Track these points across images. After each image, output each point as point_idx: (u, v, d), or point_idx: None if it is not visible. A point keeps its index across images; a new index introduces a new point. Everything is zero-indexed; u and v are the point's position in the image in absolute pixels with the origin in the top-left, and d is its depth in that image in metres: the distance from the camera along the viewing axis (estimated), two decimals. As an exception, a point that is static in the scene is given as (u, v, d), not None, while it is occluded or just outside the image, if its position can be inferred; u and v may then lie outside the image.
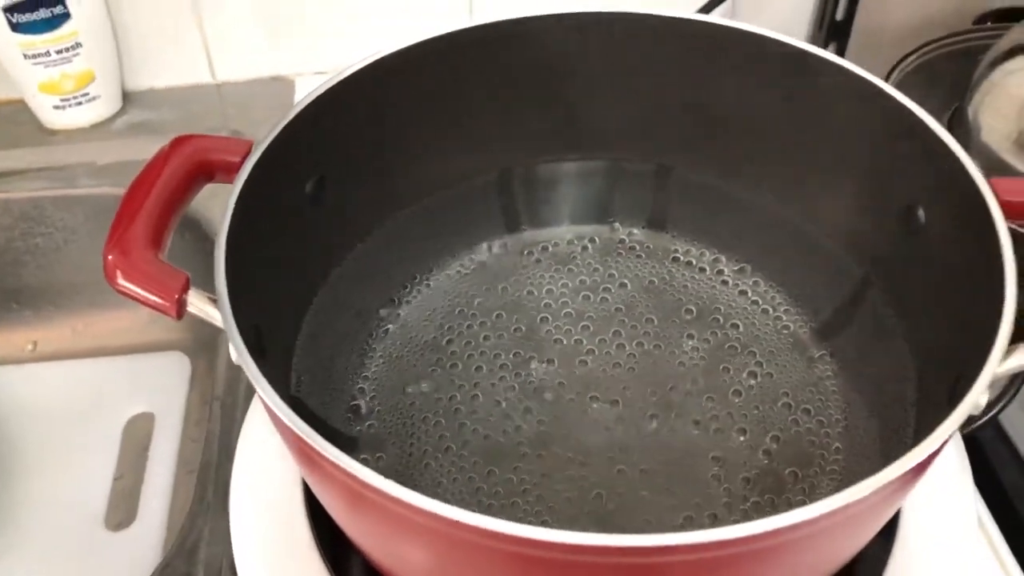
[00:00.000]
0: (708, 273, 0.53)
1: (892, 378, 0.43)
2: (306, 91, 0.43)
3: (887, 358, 0.44)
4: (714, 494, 0.43)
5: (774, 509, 0.43)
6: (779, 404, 0.47)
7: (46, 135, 0.73)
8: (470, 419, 0.47)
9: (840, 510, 0.29)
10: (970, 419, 0.48)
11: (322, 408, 0.45)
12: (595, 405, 0.47)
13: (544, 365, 0.49)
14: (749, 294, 0.52)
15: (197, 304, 0.36)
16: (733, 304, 0.51)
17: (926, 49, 0.71)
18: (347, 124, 0.45)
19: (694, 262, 0.54)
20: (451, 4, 0.74)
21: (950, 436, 0.31)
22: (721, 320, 0.51)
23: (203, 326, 0.69)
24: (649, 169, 0.53)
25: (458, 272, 0.53)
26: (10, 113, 0.74)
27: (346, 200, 0.47)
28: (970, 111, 0.64)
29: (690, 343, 0.50)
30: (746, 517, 0.42)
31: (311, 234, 0.45)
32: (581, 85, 0.50)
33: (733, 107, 0.49)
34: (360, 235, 0.49)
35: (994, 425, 0.56)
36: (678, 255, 0.54)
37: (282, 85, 0.77)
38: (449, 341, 0.50)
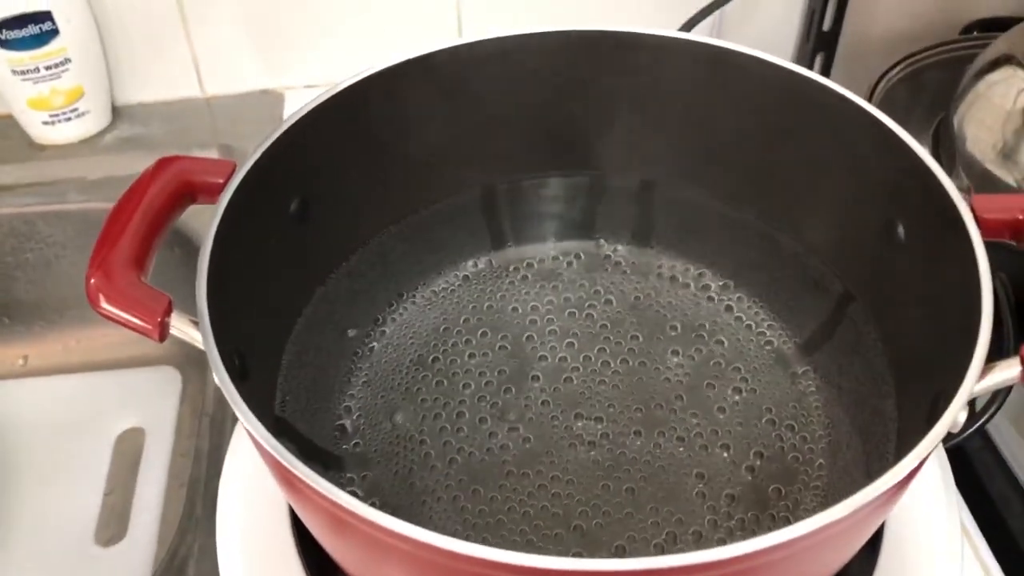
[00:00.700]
0: (693, 289, 0.53)
1: (873, 394, 0.44)
2: (296, 105, 0.43)
3: (868, 374, 0.44)
4: (698, 511, 0.43)
5: (758, 525, 0.43)
6: (763, 420, 0.47)
7: (36, 150, 0.73)
8: (455, 437, 0.47)
9: (822, 529, 0.29)
10: (955, 431, 0.48)
11: (308, 427, 0.46)
12: (580, 422, 0.47)
13: (529, 382, 0.49)
14: (734, 310, 0.52)
15: (179, 327, 0.36)
16: (717, 320, 0.52)
17: (913, 59, 0.72)
18: (330, 144, 0.45)
19: (679, 278, 0.54)
20: (440, 21, 0.75)
21: (929, 454, 0.31)
22: (706, 336, 0.51)
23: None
24: (633, 185, 0.53)
25: (443, 289, 0.54)
26: (-1, 128, 0.74)
27: (330, 219, 0.47)
28: (955, 121, 0.64)
29: (675, 359, 0.50)
30: (730, 534, 0.43)
31: (295, 253, 0.46)
32: (565, 103, 0.51)
33: (715, 124, 0.49)
34: (344, 254, 0.50)
35: (981, 435, 0.56)
36: (663, 271, 0.54)
37: (271, 99, 0.78)
38: (434, 359, 0.50)
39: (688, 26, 0.71)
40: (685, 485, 0.44)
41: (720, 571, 0.29)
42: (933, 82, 0.71)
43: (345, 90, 0.45)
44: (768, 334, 0.51)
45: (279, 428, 0.43)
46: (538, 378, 0.49)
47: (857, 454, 0.44)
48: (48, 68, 0.69)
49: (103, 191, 0.68)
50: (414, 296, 0.53)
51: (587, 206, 0.55)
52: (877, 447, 0.42)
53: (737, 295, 0.53)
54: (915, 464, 0.31)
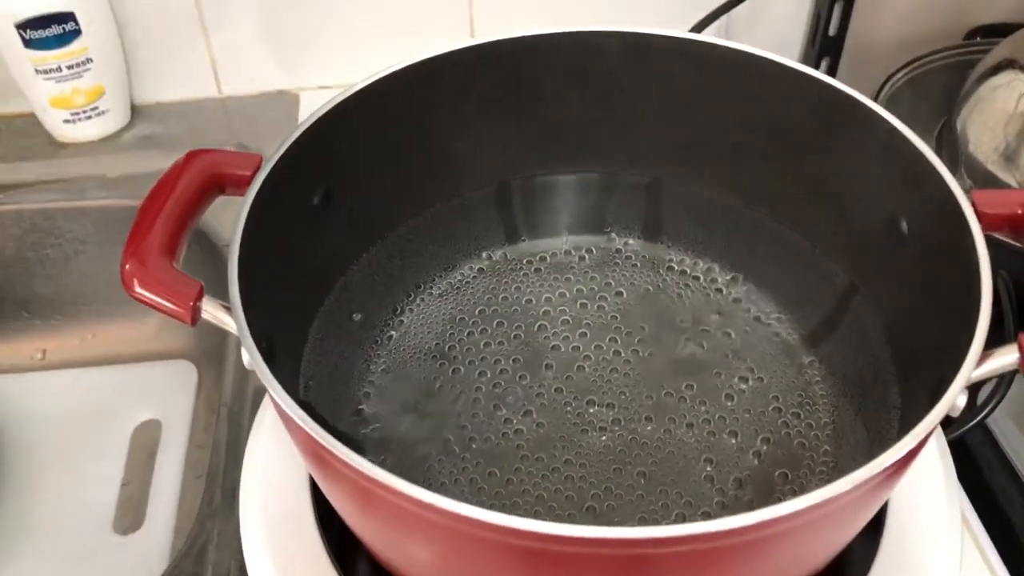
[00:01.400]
0: (702, 282, 0.54)
1: (877, 382, 0.45)
2: (310, 106, 0.45)
3: (872, 363, 0.46)
4: (707, 494, 0.45)
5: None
6: (770, 408, 0.48)
7: (56, 148, 0.74)
8: (471, 423, 0.48)
9: (826, 503, 0.30)
10: (958, 423, 0.50)
11: (328, 412, 0.47)
12: (592, 409, 0.48)
13: (543, 371, 0.50)
14: (742, 302, 0.53)
15: (211, 311, 0.37)
16: (726, 312, 0.53)
17: (917, 64, 0.73)
18: (353, 139, 0.46)
19: (688, 271, 0.55)
20: (453, 22, 0.76)
21: (928, 434, 0.32)
22: (714, 327, 0.52)
23: (209, 335, 0.70)
24: (643, 181, 0.55)
25: (459, 281, 0.55)
26: (22, 126, 0.76)
27: (351, 212, 0.48)
28: (958, 124, 0.66)
29: (684, 349, 0.51)
30: (737, 516, 0.44)
31: (318, 245, 0.47)
32: (577, 101, 0.52)
33: (724, 122, 0.50)
34: (365, 246, 0.51)
35: (983, 430, 0.57)
36: (672, 264, 0.55)
37: (287, 99, 0.79)
38: (451, 348, 0.51)
39: (698, 28, 0.72)
40: (694, 469, 0.46)
41: (725, 542, 0.30)
42: (937, 86, 0.72)
43: (366, 88, 0.46)
44: (775, 325, 0.52)
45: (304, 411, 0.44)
46: (551, 366, 0.50)
47: (861, 440, 0.45)
48: (70, 67, 0.70)
49: (122, 188, 0.69)
50: (431, 287, 0.54)
51: (599, 202, 0.56)
52: (880, 433, 0.43)
53: (745, 288, 0.54)
54: (915, 443, 0.32)
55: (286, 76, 0.79)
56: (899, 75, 0.72)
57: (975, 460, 0.56)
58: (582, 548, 0.30)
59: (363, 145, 0.47)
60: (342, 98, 0.45)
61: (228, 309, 0.37)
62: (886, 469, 0.31)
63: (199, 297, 0.37)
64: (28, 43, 0.68)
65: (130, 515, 0.62)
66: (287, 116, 0.77)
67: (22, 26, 0.67)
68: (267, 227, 0.41)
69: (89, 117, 0.73)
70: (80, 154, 0.74)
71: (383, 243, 0.52)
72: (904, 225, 0.44)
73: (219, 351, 0.66)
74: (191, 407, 0.69)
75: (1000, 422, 0.56)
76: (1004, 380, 0.52)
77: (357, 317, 0.51)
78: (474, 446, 0.47)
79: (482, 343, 0.52)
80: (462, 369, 0.50)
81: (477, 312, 0.53)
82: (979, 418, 0.51)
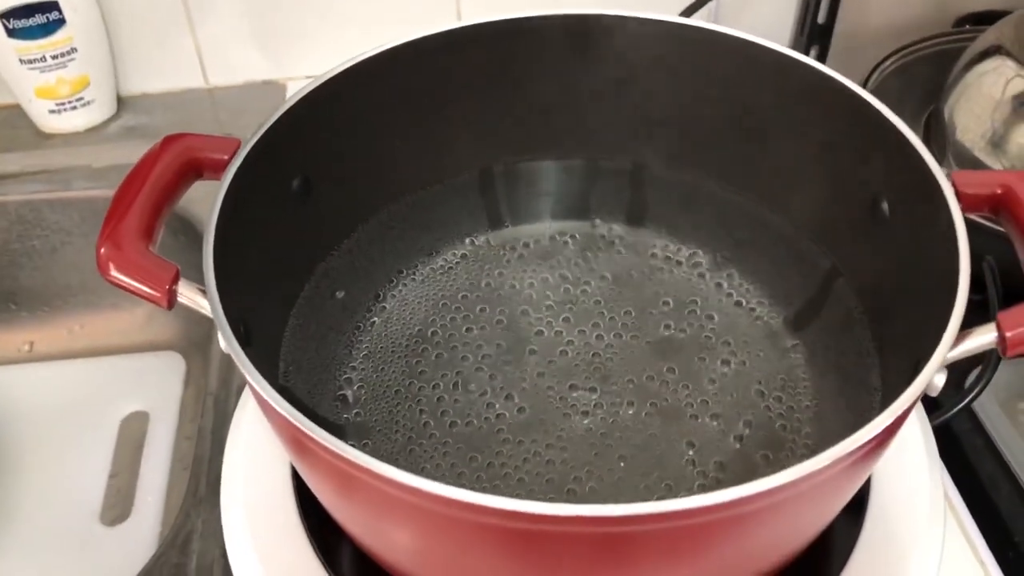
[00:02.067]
0: (685, 267, 0.54)
1: (858, 365, 0.45)
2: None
3: (854, 346, 0.46)
4: (688, 477, 0.45)
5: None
6: (752, 391, 0.48)
7: (42, 139, 0.74)
8: (453, 407, 0.48)
9: (804, 479, 0.30)
10: (944, 407, 0.50)
11: (309, 397, 0.47)
12: (574, 393, 0.48)
13: (526, 355, 0.50)
14: (724, 286, 0.53)
15: (187, 294, 0.37)
16: (709, 296, 0.53)
17: (906, 51, 0.73)
18: (332, 124, 0.46)
19: (672, 256, 0.55)
20: (442, 9, 0.76)
21: (906, 412, 0.32)
22: (697, 312, 0.52)
23: (197, 326, 0.70)
24: (627, 167, 0.55)
25: (442, 267, 0.55)
26: (6, 117, 0.75)
27: (331, 197, 0.48)
28: (946, 111, 0.65)
29: (667, 334, 0.51)
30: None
31: (297, 230, 0.47)
32: (561, 85, 0.52)
33: (709, 107, 0.50)
34: (345, 231, 0.51)
35: (969, 415, 0.57)
36: (656, 250, 0.55)
37: (274, 89, 0.79)
38: (433, 333, 0.51)
39: (687, 13, 0.72)
40: (675, 452, 0.45)
41: (704, 518, 0.30)
42: (925, 74, 0.71)
43: (345, 71, 0.46)
44: (758, 310, 0.52)
45: (282, 396, 0.44)
46: (534, 351, 0.50)
47: (843, 423, 0.45)
48: (55, 57, 0.70)
49: (108, 179, 0.69)
50: (414, 273, 0.54)
51: (582, 187, 0.56)
52: (862, 416, 0.43)
53: (728, 272, 0.54)
54: (892, 419, 0.32)
55: (273, 66, 0.79)
56: (888, 63, 0.71)
57: (962, 446, 0.56)
58: (561, 527, 0.30)
59: (343, 130, 0.47)
60: (320, 82, 0.45)
61: (205, 293, 0.36)
62: (864, 445, 0.31)
63: (175, 280, 0.37)
64: (12, 32, 0.68)
65: (118, 506, 0.62)
66: (274, 106, 0.74)
67: (5, 15, 0.67)
68: (245, 211, 0.41)
69: (74, 108, 0.73)
70: (66, 145, 0.74)
71: (364, 228, 0.51)
72: (885, 207, 0.44)
73: (207, 342, 0.66)
74: (179, 398, 0.68)
75: (987, 408, 0.56)
76: (990, 364, 0.52)
77: (338, 303, 0.51)
78: (455, 430, 0.47)
79: (465, 328, 0.52)
80: (445, 354, 0.50)
81: (460, 298, 0.53)
82: (965, 402, 0.51)
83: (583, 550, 0.32)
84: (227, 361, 0.58)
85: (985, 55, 0.64)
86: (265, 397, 0.33)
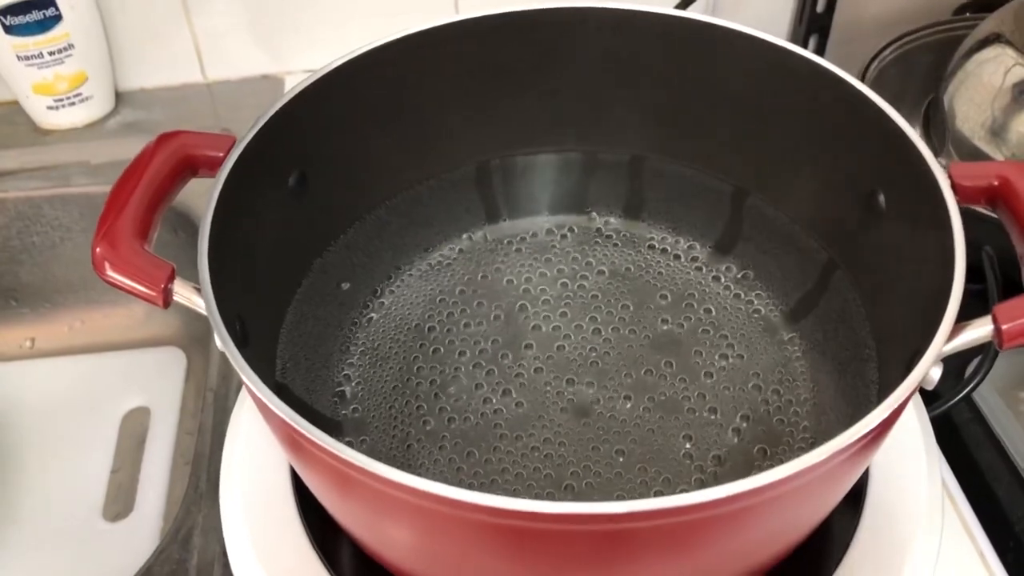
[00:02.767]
0: (682, 260, 0.54)
1: (856, 358, 0.45)
2: (295, 89, 0.45)
3: (851, 339, 0.46)
4: (685, 471, 0.45)
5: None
6: (749, 385, 0.48)
7: (40, 135, 0.74)
8: (451, 403, 0.48)
9: (802, 473, 0.30)
10: (942, 397, 0.49)
11: (307, 393, 0.47)
12: (572, 388, 0.48)
13: (523, 350, 0.50)
14: (721, 280, 0.53)
15: (183, 293, 0.37)
16: (707, 290, 0.53)
17: (905, 40, 0.72)
18: (327, 119, 0.46)
19: (669, 249, 0.55)
20: (437, 1, 0.75)
21: (902, 404, 0.32)
22: (694, 305, 0.52)
23: (198, 321, 0.70)
24: (624, 160, 0.54)
25: (439, 262, 0.55)
26: (4, 114, 0.75)
27: (328, 193, 0.48)
28: (945, 100, 0.65)
29: (664, 327, 0.51)
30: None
31: (294, 226, 0.47)
32: (557, 79, 0.51)
33: (706, 100, 0.50)
34: (342, 227, 0.51)
35: (969, 406, 0.57)
36: (653, 243, 0.55)
37: (272, 84, 0.79)
38: (431, 328, 0.51)
39: (683, 5, 0.71)
40: (673, 447, 0.45)
41: (703, 514, 0.30)
42: (925, 62, 0.71)
43: (341, 67, 0.46)
44: (755, 303, 0.52)
45: (279, 394, 0.43)
46: (531, 346, 0.50)
47: (841, 416, 0.45)
48: (52, 54, 0.70)
49: (107, 175, 0.69)
50: (411, 268, 0.54)
51: (579, 181, 0.56)
52: (859, 409, 0.43)
53: (725, 265, 0.54)
54: (888, 413, 0.32)
55: (271, 60, 0.78)
56: (887, 52, 0.71)
57: (962, 436, 0.56)
58: (560, 525, 0.30)
59: (338, 125, 0.47)
60: (316, 77, 0.45)
61: (200, 291, 0.36)
62: (861, 438, 0.31)
63: (171, 279, 0.37)
64: (8, 29, 0.68)
65: (119, 502, 0.62)
66: (272, 100, 0.75)
67: (2, 12, 0.67)
68: (241, 208, 0.41)
69: (72, 103, 0.73)
70: (64, 141, 0.74)
71: (361, 224, 0.51)
72: (881, 199, 0.44)
73: (207, 337, 0.66)
74: (180, 394, 0.69)
75: (987, 398, 0.56)
76: (989, 355, 0.52)
77: (336, 299, 0.51)
78: (453, 426, 0.47)
79: (462, 323, 0.52)
80: (442, 350, 0.50)
81: (457, 293, 0.53)
82: (964, 392, 0.51)
83: (583, 547, 0.32)
84: (227, 357, 0.58)
85: (985, 43, 0.64)
86: (261, 397, 0.33)
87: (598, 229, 0.56)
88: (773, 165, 0.50)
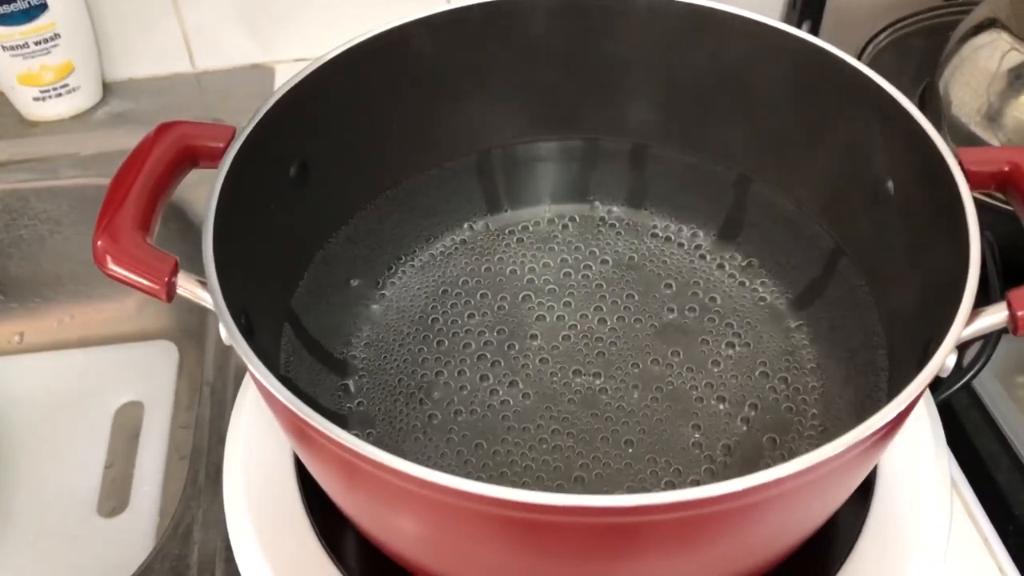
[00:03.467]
0: (686, 248, 0.54)
1: (865, 345, 0.45)
2: (286, 79, 0.44)
3: (860, 326, 0.45)
4: (695, 461, 0.44)
5: (754, 474, 0.44)
6: (757, 373, 0.48)
7: (27, 127, 0.73)
8: (457, 395, 0.47)
9: (814, 467, 0.29)
10: (944, 384, 0.50)
11: (311, 387, 0.46)
12: (578, 378, 0.48)
13: (528, 341, 0.50)
14: (726, 267, 0.53)
15: (187, 287, 0.36)
16: (711, 278, 0.52)
17: (899, 25, 0.72)
18: (328, 109, 0.46)
19: (672, 237, 0.54)
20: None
21: (918, 396, 0.32)
22: (700, 293, 0.52)
23: (190, 314, 0.69)
24: (626, 148, 0.54)
25: (441, 253, 0.54)
26: (-10, 105, 0.74)
27: (329, 183, 0.48)
28: (941, 85, 0.65)
29: (670, 316, 0.51)
30: (727, 483, 0.44)
31: (295, 217, 0.46)
32: (557, 66, 0.51)
33: (707, 85, 0.50)
34: (344, 218, 0.50)
35: (969, 393, 0.57)
36: (657, 231, 0.55)
37: (262, 73, 0.78)
38: (434, 320, 0.51)
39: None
40: (682, 436, 0.45)
41: (714, 508, 0.30)
42: (919, 48, 0.71)
43: (339, 56, 0.45)
44: (761, 290, 0.52)
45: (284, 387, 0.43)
46: (536, 336, 0.50)
47: (849, 404, 0.45)
48: (37, 44, 0.69)
49: (95, 166, 0.69)
50: (413, 259, 0.54)
51: (581, 169, 0.55)
52: (869, 396, 0.43)
53: (730, 253, 0.53)
54: (904, 405, 0.31)
55: (261, 49, 0.78)
56: (881, 37, 0.71)
57: (962, 423, 0.56)
58: (570, 517, 0.29)
59: (338, 115, 0.47)
60: (316, 66, 0.44)
61: (204, 284, 0.36)
62: (875, 432, 0.31)
63: (174, 273, 0.36)
64: (-7, 19, 0.67)
65: (114, 498, 0.62)
66: (263, 90, 0.76)
67: (-14, 2, 0.66)
68: (242, 200, 0.40)
69: (59, 94, 0.72)
70: (51, 132, 0.73)
71: (362, 215, 0.51)
72: (890, 185, 0.43)
73: (200, 330, 0.66)
74: (173, 387, 0.68)
75: (987, 384, 0.57)
76: (990, 341, 0.52)
77: (338, 291, 0.50)
78: (460, 418, 0.46)
79: (466, 314, 0.51)
80: (446, 341, 0.50)
81: (460, 283, 0.53)
82: (965, 379, 0.51)
83: (593, 539, 0.32)
84: (222, 350, 0.58)
85: (980, 28, 0.64)
86: (270, 389, 0.32)
87: (601, 218, 0.56)
88: (777, 151, 0.50)
